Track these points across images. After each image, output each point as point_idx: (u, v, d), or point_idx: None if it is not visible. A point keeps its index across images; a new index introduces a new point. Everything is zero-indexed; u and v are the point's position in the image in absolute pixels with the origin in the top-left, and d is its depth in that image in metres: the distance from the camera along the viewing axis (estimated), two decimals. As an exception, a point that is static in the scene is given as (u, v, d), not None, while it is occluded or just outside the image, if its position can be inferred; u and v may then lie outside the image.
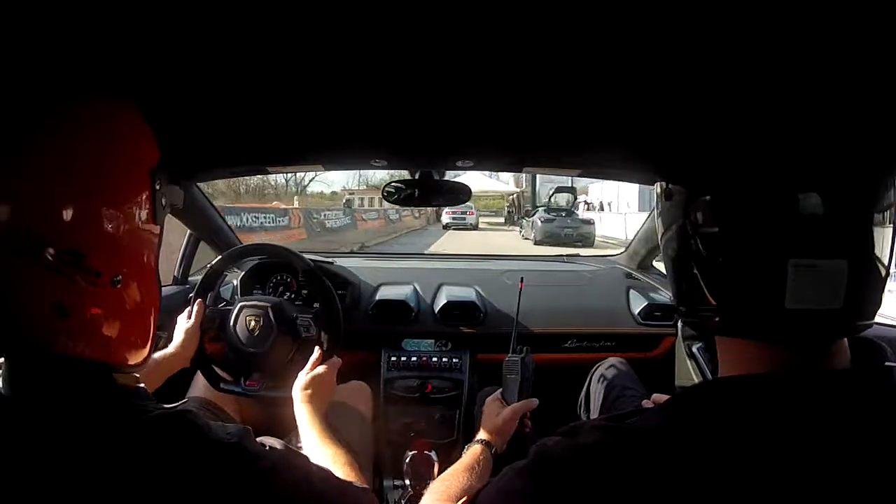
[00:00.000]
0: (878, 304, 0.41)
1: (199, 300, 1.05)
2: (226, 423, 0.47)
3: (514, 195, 24.50)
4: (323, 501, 0.50)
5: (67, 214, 0.39)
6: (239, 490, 0.42)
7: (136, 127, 0.46)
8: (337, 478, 0.55)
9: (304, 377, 0.88)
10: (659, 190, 0.49)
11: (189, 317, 1.03)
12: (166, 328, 1.05)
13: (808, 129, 0.40)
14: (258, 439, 0.48)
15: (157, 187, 0.47)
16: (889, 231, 0.40)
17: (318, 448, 0.73)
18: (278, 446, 0.49)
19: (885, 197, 0.39)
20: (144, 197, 0.45)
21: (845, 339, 0.41)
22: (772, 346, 0.41)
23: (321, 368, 0.90)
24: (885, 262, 0.40)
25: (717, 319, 0.43)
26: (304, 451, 0.73)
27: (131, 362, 0.46)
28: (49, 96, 0.40)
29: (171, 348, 0.98)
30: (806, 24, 0.40)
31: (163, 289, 1.60)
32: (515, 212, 21.90)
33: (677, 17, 0.39)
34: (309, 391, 0.85)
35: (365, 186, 27.32)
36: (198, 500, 0.40)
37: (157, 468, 0.39)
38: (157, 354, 0.93)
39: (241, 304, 1.07)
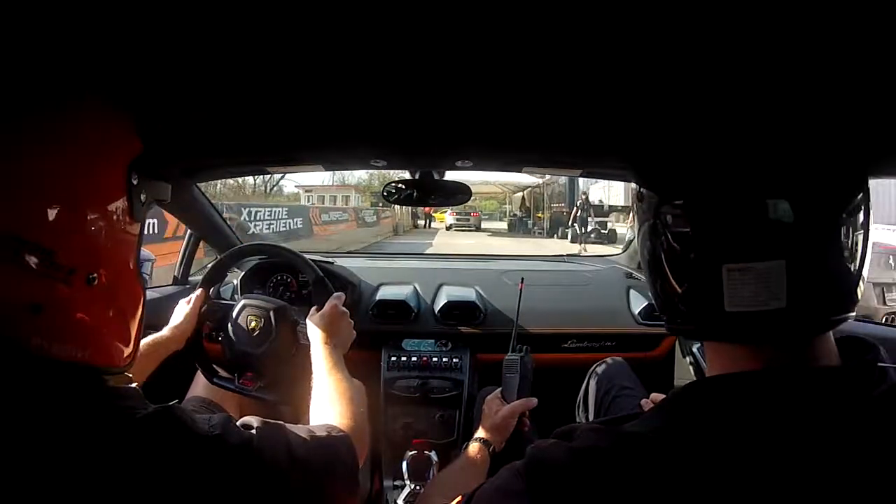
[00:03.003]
0: (847, 298, 0.41)
1: (202, 288, 1.06)
2: (211, 415, 0.47)
3: (525, 192, 20.36)
4: (307, 464, 0.49)
5: (34, 210, 0.37)
6: (226, 479, 0.42)
7: (110, 120, 0.44)
8: (313, 435, 0.54)
9: (324, 318, 0.87)
10: (635, 190, 0.50)
11: (189, 301, 1.04)
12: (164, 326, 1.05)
13: (750, 136, 0.41)
14: (239, 422, 0.48)
15: (135, 182, 0.44)
16: (843, 229, 0.40)
17: (331, 395, 0.71)
18: (255, 423, 0.48)
19: (833, 196, 0.40)
20: (120, 192, 0.44)
21: (830, 336, 0.41)
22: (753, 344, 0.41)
23: (343, 311, 0.90)
24: (851, 255, 0.40)
25: (687, 324, 0.44)
26: (315, 397, 0.72)
27: (114, 364, 0.44)
28: (18, 93, 0.39)
29: (165, 330, 0.97)
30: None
31: (163, 288, 1.59)
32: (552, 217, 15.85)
33: (669, 21, 0.39)
34: (330, 333, 0.84)
35: (342, 183, 25.07)
36: (187, 496, 0.40)
37: (145, 469, 0.39)
38: (150, 337, 0.93)
39: (244, 301, 1.06)
